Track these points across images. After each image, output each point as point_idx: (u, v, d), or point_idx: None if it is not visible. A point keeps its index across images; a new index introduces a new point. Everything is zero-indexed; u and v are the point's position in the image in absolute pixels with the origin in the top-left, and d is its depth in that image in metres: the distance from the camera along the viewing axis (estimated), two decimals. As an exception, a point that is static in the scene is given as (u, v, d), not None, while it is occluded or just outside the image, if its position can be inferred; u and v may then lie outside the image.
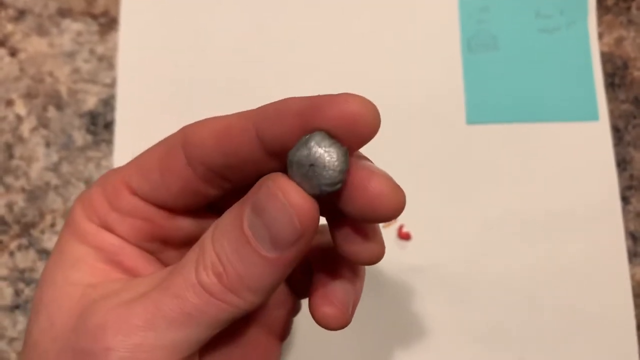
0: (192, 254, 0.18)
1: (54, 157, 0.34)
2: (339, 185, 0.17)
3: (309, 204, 0.17)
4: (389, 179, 0.17)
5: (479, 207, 0.34)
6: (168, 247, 0.21)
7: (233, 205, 0.18)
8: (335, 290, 0.20)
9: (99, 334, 0.17)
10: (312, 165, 0.16)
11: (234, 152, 0.18)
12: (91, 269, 0.19)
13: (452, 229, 0.33)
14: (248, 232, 0.17)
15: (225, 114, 0.19)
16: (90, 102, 0.35)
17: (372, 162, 0.19)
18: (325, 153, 0.16)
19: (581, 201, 0.34)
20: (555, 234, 0.33)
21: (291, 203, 0.16)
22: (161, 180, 0.20)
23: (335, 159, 0.16)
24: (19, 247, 0.33)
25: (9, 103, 0.35)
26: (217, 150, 0.18)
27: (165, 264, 0.21)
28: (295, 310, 0.25)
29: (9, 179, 0.34)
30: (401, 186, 0.35)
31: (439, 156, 0.34)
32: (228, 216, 0.18)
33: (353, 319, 0.31)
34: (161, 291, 0.17)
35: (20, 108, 0.35)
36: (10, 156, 0.34)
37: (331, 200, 0.18)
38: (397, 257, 0.33)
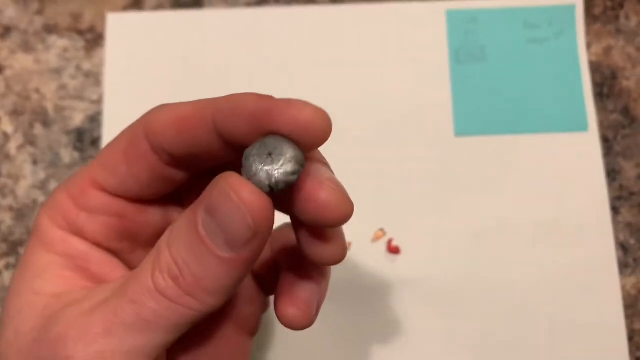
0: (149, 258, 0.18)
1: (41, 175, 0.34)
2: (294, 177, 0.17)
3: (262, 201, 0.17)
4: (337, 189, 0.18)
5: (468, 219, 0.33)
6: (137, 246, 0.21)
7: (188, 208, 0.18)
8: (300, 290, 0.21)
9: (60, 343, 0.17)
10: (269, 154, 0.17)
11: (194, 142, 0.19)
12: (56, 278, 0.19)
13: (441, 241, 0.33)
14: (202, 232, 0.17)
15: (182, 102, 0.19)
16: (77, 118, 0.35)
17: (327, 165, 0.19)
18: (282, 145, 0.17)
19: (571, 212, 0.33)
20: (545, 246, 0.33)
21: (244, 201, 0.16)
22: (129, 172, 0.20)
23: (291, 150, 0.17)
24: (7, 266, 0.33)
25: (-4, 121, 0.35)
26: (178, 140, 0.19)
27: (133, 266, 0.21)
28: (264, 306, 0.25)
29: (-4, 198, 0.34)
30: (389, 199, 0.35)
31: (427, 168, 0.34)
32: (183, 219, 0.18)
33: (343, 332, 0.32)
34: (119, 297, 0.17)
35: (7, 125, 0.35)
36: (-3, 174, 0.34)
37: (285, 201, 0.18)
38: (387, 272, 0.33)
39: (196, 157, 0.19)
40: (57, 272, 0.19)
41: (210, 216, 0.17)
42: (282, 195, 0.18)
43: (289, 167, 0.17)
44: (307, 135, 0.17)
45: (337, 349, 0.32)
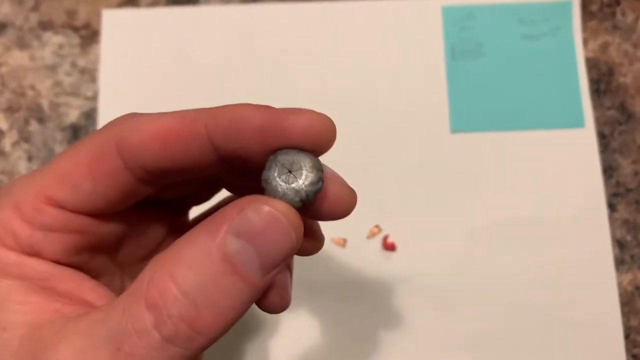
0: (136, 306, 0.16)
1: (36, 172, 0.34)
2: (320, 185, 0.17)
3: (301, 220, 0.17)
4: (344, 183, 0.18)
5: (464, 215, 0.33)
6: (96, 254, 0.20)
7: (193, 235, 0.16)
8: (277, 276, 0.20)
9: None
10: (289, 172, 0.17)
11: (183, 157, 0.17)
12: (22, 305, 0.17)
13: (437, 238, 0.33)
14: (234, 260, 0.16)
15: (161, 112, 0.18)
16: (72, 115, 0.35)
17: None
18: (297, 158, 0.17)
19: (567, 209, 0.33)
20: (541, 242, 0.33)
21: (293, 223, 0.16)
22: (94, 189, 0.18)
23: (308, 161, 0.17)
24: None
25: (-10, 117, 0.35)
26: (162, 155, 0.17)
27: (94, 273, 0.20)
28: None
29: (-9, 194, 0.34)
30: (385, 195, 0.35)
31: (423, 165, 0.34)
32: (195, 248, 0.16)
33: (338, 328, 0.32)
34: (112, 352, 0.16)
35: (2, 122, 0.35)
36: (-8, 171, 0.34)
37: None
38: (382, 268, 0.33)
39: (178, 172, 0.18)
40: (21, 299, 0.17)
41: (246, 241, 0.16)
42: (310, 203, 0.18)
43: (313, 178, 0.17)
44: (318, 144, 0.17)
45: (332, 344, 0.32)
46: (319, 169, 0.17)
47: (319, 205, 0.18)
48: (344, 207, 0.18)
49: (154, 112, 0.18)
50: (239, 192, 0.22)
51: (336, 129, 0.17)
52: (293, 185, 0.17)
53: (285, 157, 0.17)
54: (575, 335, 0.32)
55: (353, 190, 0.18)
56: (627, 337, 0.32)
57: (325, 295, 0.32)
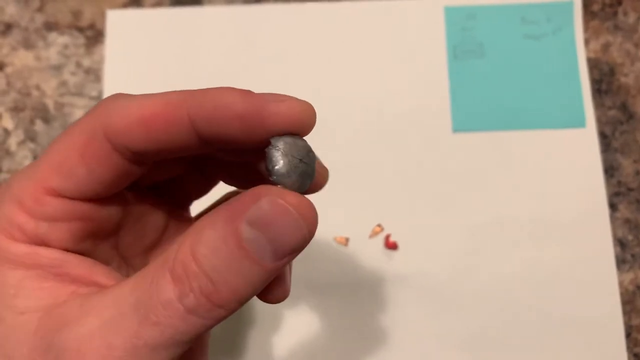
0: (163, 272, 0.17)
1: (42, 171, 0.34)
2: (313, 163, 0.18)
3: (314, 211, 0.17)
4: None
5: (466, 215, 0.34)
6: (99, 241, 0.21)
7: (211, 220, 0.17)
8: None
9: None
10: (294, 157, 0.17)
11: (168, 140, 0.18)
12: (36, 291, 0.18)
13: (439, 237, 0.33)
14: (248, 247, 0.17)
15: (146, 94, 0.18)
16: (77, 115, 0.35)
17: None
18: (297, 143, 0.18)
19: (569, 208, 0.33)
20: (543, 241, 0.33)
21: (302, 214, 0.17)
22: (88, 174, 0.18)
23: (304, 144, 0.18)
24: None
25: (-4, 117, 0.35)
26: (146, 138, 0.18)
27: (101, 259, 0.21)
28: None
29: (-3, 193, 0.34)
30: (387, 195, 0.35)
31: (425, 165, 0.34)
32: (214, 233, 0.17)
33: (340, 327, 0.32)
34: (139, 320, 0.17)
35: (7, 122, 0.35)
36: (-2, 170, 0.34)
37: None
38: (384, 267, 0.33)
39: (165, 152, 0.19)
40: (37, 285, 0.18)
41: (259, 230, 0.17)
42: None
43: (312, 158, 0.18)
44: (298, 130, 0.18)
45: (334, 343, 0.32)
46: (311, 149, 0.18)
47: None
48: (323, 182, 0.21)
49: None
50: (238, 183, 0.23)
51: (315, 115, 0.18)
52: (299, 170, 0.17)
53: (285, 146, 0.17)
54: (577, 334, 0.32)
55: (326, 168, 0.21)
56: (628, 335, 0.32)
57: (327, 293, 0.32)
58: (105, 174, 0.19)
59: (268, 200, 0.17)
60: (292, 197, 0.17)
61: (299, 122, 0.17)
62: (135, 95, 0.18)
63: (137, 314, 0.17)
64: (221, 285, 0.17)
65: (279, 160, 0.17)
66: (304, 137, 0.18)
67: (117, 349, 0.17)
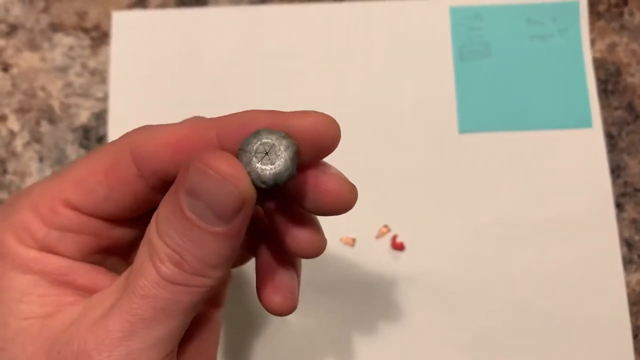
0: (144, 254, 0.18)
1: (47, 172, 0.34)
2: (285, 176, 0.17)
3: (242, 170, 0.17)
4: (345, 178, 0.19)
5: (473, 215, 0.34)
6: (111, 256, 0.21)
7: (165, 196, 0.18)
8: (282, 278, 0.21)
9: (83, 358, 0.17)
10: (266, 153, 0.17)
11: None
12: (41, 298, 0.18)
13: (446, 238, 0.33)
14: (191, 215, 0.17)
15: (174, 123, 0.19)
16: (83, 116, 0.35)
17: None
18: (278, 143, 0.17)
19: (575, 209, 0.33)
20: (549, 242, 0.33)
21: (225, 175, 0.16)
22: (109, 195, 0.19)
23: (287, 152, 0.17)
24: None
25: (2, 118, 0.35)
26: (174, 161, 0.18)
27: (112, 269, 0.21)
28: (229, 279, 0.26)
29: (3, 195, 0.34)
30: (394, 195, 0.35)
31: (432, 166, 0.34)
32: (165, 207, 0.18)
33: (347, 328, 0.32)
34: (128, 297, 0.17)
35: (13, 123, 0.35)
36: (4, 171, 0.34)
37: (286, 195, 0.18)
38: (391, 268, 0.33)
39: None
40: (42, 292, 0.19)
41: (194, 197, 0.17)
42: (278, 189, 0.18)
43: (282, 168, 0.17)
44: (323, 144, 0.18)
45: (341, 343, 0.32)
46: (294, 161, 0.17)
47: (304, 192, 0.19)
48: (344, 202, 0.19)
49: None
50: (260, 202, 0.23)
51: (340, 130, 0.18)
52: (261, 166, 0.17)
53: (267, 137, 0.17)
54: (583, 335, 0.32)
55: (353, 186, 0.19)
56: (635, 337, 0.32)
57: (334, 294, 0.32)
58: (125, 198, 0.19)
59: (192, 168, 0.17)
60: (217, 159, 0.17)
61: (322, 137, 0.18)
62: (163, 124, 0.19)
63: (127, 293, 0.17)
64: (185, 254, 0.17)
65: (246, 149, 0.17)
66: (321, 156, 0.18)
67: (115, 330, 0.17)
